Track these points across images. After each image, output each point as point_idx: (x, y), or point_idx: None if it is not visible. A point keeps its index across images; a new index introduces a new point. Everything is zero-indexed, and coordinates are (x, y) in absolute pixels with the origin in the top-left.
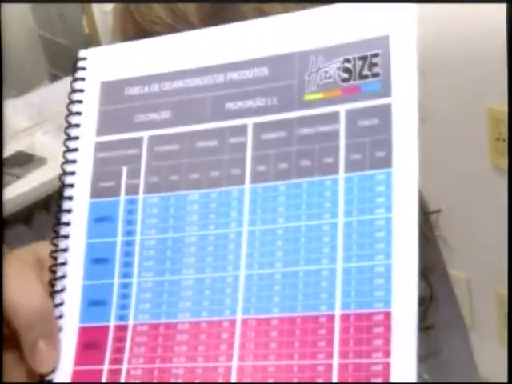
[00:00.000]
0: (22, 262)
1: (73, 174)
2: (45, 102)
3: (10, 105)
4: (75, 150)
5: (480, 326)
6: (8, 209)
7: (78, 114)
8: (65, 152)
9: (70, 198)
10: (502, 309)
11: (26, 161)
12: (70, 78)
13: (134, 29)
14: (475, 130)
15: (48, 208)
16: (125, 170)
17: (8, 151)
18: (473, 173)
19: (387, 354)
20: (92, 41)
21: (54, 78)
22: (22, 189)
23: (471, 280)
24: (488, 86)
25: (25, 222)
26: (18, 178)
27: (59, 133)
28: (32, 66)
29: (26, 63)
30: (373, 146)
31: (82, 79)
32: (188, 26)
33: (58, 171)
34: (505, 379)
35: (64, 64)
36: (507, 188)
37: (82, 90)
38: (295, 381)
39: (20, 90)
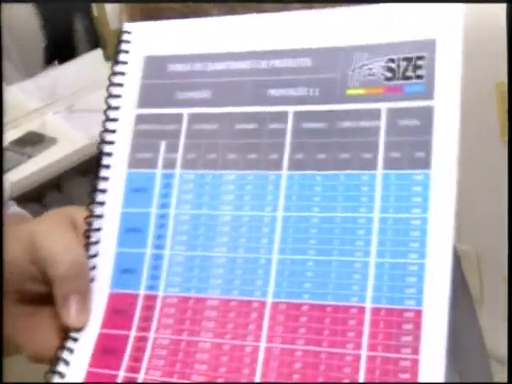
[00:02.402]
0: (60, 218)
1: (112, 143)
2: (55, 83)
3: (20, 86)
4: (115, 120)
5: (489, 301)
6: (20, 188)
7: (120, 85)
8: (104, 121)
9: (108, 167)
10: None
11: (38, 140)
12: (79, 60)
13: (141, 12)
14: (485, 106)
15: (59, 187)
16: (163, 143)
17: (19, 132)
18: (482, 148)
19: (416, 351)
20: (101, 24)
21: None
22: (33, 168)
23: (480, 255)
24: (497, 61)
25: (37, 201)
26: (30, 157)
27: (70, 113)
28: (41, 50)
29: (35, 47)
30: (412, 146)
31: (126, 52)
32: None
33: (69, 150)
34: None
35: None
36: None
37: (125, 63)
38: (322, 368)
39: (29, 72)
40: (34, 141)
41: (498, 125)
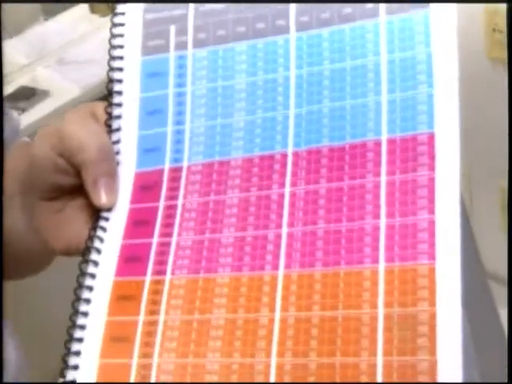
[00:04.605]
0: (81, 112)
1: (121, 36)
2: (43, 38)
3: (8, 44)
4: (122, 13)
5: (482, 219)
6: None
7: None
8: (113, 16)
9: (121, 58)
10: (503, 200)
11: (30, 94)
12: (65, 14)
13: None
14: (470, 22)
15: None
16: (173, 28)
17: (11, 87)
18: (468, 65)
19: (432, 168)
20: None
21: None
22: (28, 121)
23: (471, 175)
24: None
25: None
26: (24, 111)
27: (60, 66)
28: (26, 12)
29: (20, 8)
30: None
31: None
32: None
33: (62, 102)
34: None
35: (57, 10)
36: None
37: None
38: (345, 199)
39: (15, 29)
40: (26, 95)
41: (486, 43)
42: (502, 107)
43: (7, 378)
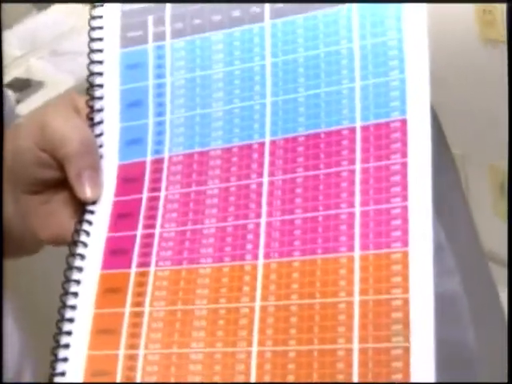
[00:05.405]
0: (63, 104)
1: (100, 28)
2: (36, 29)
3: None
4: (101, 5)
5: (475, 201)
6: None
7: None
8: (91, 8)
9: (101, 51)
10: (497, 181)
11: (25, 86)
12: (57, 6)
13: None
14: (461, 4)
15: None
16: (151, 18)
17: (5, 79)
18: (461, 46)
19: (404, 154)
20: None
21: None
22: (23, 111)
23: (465, 156)
24: None
25: None
26: (19, 102)
27: (53, 57)
28: (18, 5)
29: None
30: None
31: None
32: None
33: (57, 93)
34: (503, 250)
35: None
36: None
37: None
38: (321, 187)
39: (8, 23)
40: (21, 86)
41: (477, 24)
42: (493, 87)
43: (6, 377)
